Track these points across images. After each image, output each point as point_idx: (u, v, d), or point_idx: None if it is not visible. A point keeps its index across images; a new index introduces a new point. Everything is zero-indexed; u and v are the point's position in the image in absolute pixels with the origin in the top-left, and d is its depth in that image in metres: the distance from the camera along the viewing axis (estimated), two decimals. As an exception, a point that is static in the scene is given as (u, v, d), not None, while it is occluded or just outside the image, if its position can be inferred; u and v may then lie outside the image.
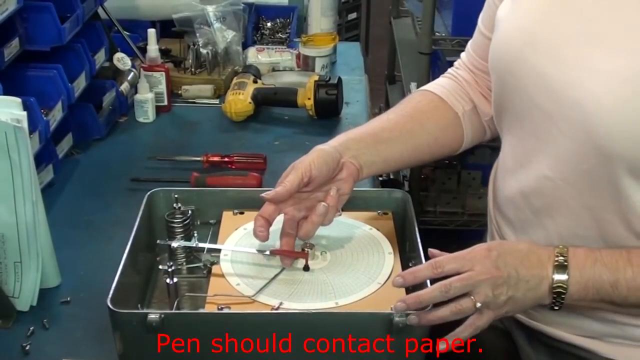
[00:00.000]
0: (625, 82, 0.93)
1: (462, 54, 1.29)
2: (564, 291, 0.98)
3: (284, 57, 2.03)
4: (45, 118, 1.41)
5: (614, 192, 0.99)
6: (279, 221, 1.12)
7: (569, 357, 1.13)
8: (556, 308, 1.00)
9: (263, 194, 1.10)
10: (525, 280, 0.98)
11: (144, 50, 1.83)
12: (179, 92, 1.86)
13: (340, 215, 1.21)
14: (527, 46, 1.04)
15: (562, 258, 0.98)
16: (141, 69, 1.78)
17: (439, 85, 1.27)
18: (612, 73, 0.94)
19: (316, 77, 1.76)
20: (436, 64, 2.31)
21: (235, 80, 1.82)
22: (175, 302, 1.07)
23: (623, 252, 0.99)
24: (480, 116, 1.25)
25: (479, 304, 0.96)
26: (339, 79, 1.77)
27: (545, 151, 1.04)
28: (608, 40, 0.97)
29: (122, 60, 1.74)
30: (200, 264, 1.14)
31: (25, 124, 1.11)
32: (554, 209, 1.06)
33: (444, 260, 0.99)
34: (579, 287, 0.98)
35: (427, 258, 1.05)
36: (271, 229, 1.10)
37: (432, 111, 1.24)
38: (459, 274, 0.97)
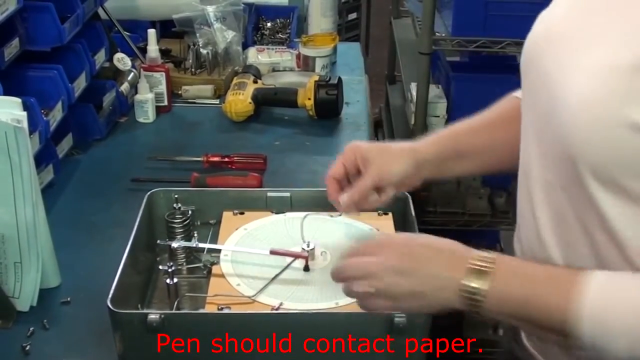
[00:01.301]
0: (596, 77, 0.87)
1: None
2: (480, 299, 0.88)
3: (284, 57, 2.03)
4: (45, 118, 1.41)
5: (591, 203, 0.89)
6: (279, 222, 1.12)
7: None
8: (476, 316, 0.90)
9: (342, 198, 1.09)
10: (433, 276, 0.90)
11: (144, 51, 1.83)
12: (179, 92, 1.87)
13: (340, 215, 1.21)
14: (539, 46, 1.03)
15: (481, 263, 0.89)
16: (141, 69, 1.78)
17: None
18: (589, 69, 0.89)
19: (316, 77, 1.76)
20: (436, 64, 2.30)
21: (235, 81, 1.82)
22: (176, 303, 1.07)
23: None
24: None
25: (372, 290, 0.90)
26: (339, 79, 1.77)
27: (539, 155, 1.02)
28: (606, 39, 0.96)
29: (122, 60, 1.74)
30: (201, 264, 1.14)
31: (25, 124, 1.11)
32: (556, 224, 0.96)
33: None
34: (496, 298, 0.88)
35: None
36: (271, 229, 1.09)
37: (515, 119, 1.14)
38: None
